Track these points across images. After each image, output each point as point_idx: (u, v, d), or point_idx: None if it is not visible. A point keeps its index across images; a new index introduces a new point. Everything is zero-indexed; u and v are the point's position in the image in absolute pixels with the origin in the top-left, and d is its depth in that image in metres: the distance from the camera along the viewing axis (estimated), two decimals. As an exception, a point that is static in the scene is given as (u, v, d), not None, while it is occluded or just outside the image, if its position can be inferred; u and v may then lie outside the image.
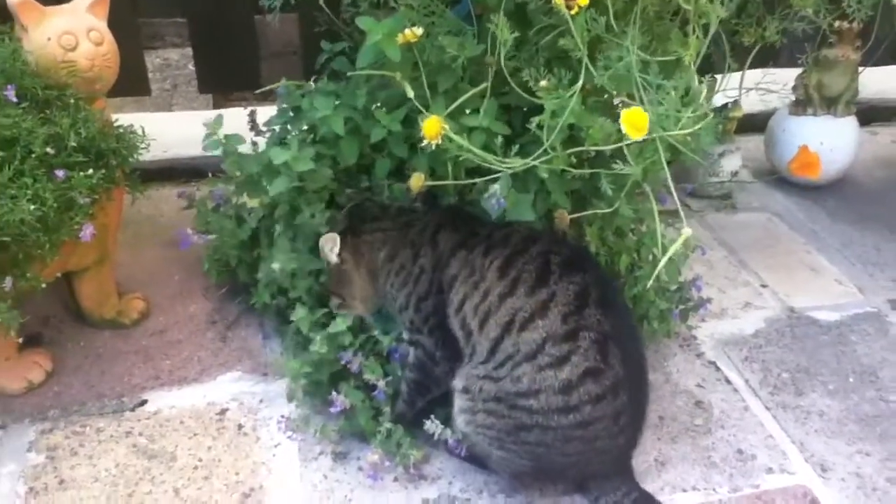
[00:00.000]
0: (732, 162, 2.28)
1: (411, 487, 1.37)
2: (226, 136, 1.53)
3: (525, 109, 1.46)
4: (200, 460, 1.41)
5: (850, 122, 2.31)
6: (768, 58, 1.96)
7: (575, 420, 1.22)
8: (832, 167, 2.31)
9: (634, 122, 1.14)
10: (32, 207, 1.26)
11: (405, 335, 1.41)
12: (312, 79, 1.71)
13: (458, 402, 1.32)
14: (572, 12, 1.18)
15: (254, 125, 1.80)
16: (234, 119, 1.65)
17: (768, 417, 1.54)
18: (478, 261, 1.28)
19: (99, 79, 1.45)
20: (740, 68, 1.82)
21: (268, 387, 1.57)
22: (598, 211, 1.45)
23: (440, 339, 1.33)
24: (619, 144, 1.23)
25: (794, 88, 2.30)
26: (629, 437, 1.31)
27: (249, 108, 1.86)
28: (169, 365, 1.61)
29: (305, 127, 1.56)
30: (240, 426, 1.48)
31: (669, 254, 1.14)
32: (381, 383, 1.37)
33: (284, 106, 1.62)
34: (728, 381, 1.63)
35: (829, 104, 2.27)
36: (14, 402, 1.50)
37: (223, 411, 1.51)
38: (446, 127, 1.24)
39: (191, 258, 1.87)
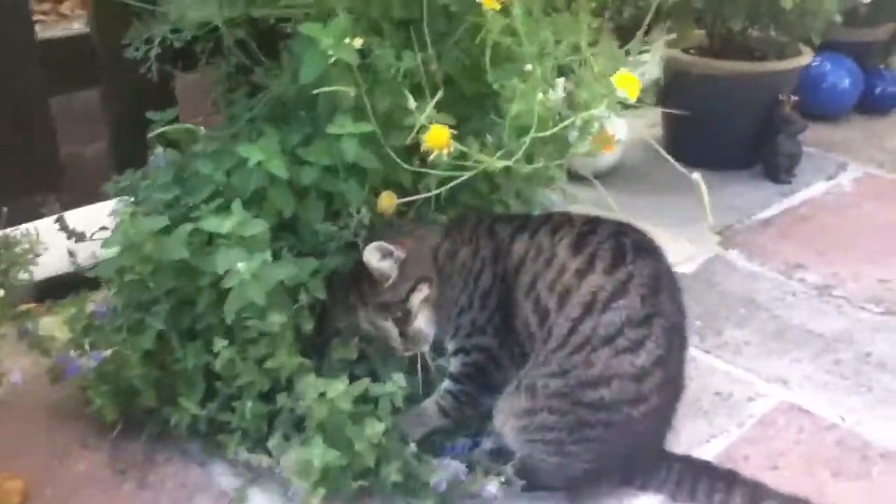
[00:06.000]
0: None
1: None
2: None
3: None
4: None
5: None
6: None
7: (641, 411, 1.19)
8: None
9: (629, 84, 1.16)
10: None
11: (457, 344, 1.30)
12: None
13: (515, 405, 1.23)
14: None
15: (72, 233, 1.49)
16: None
17: (712, 359, 1.65)
18: (545, 240, 1.21)
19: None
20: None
21: (249, 510, 1.27)
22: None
23: (503, 339, 1.24)
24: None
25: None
26: (671, 423, 1.32)
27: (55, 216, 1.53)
28: (104, 537, 1.23)
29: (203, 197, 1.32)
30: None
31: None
32: None
33: (165, 180, 1.35)
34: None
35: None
36: None
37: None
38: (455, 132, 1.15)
39: (38, 413, 1.45)
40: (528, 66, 1.26)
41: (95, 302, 1.41)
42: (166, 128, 1.42)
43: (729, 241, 2.12)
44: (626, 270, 1.19)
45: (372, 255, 1.24)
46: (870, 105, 3.10)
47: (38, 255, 1.25)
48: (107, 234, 1.46)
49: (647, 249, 1.25)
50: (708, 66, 2.54)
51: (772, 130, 2.49)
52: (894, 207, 2.32)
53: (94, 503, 1.29)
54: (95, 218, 1.51)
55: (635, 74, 1.30)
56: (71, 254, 1.53)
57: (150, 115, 1.56)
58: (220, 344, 1.23)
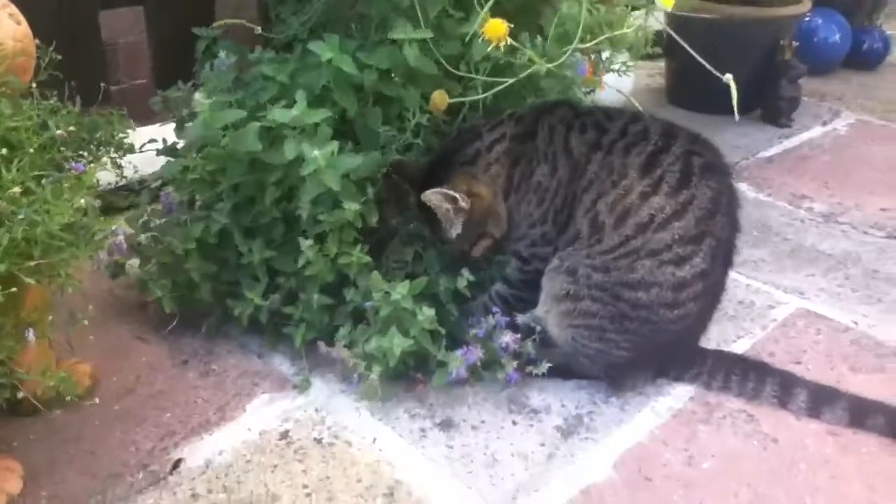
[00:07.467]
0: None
1: (535, 422, 1.29)
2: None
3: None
4: (306, 486, 1.16)
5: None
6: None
7: (676, 315, 1.26)
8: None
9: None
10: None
11: (520, 251, 1.36)
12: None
13: (557, 286, 1.29)
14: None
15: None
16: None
17: (734, 274, 1.71)
18: (617, 161, 1.24)
19: None
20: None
21: (311, 397, 1.33)
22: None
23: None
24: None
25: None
26: (706, 325, 1.38)
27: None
28: (174, 418, 1.28)
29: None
30: (318, 440, 1.24)
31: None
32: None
33: (226, 84, 1.40)
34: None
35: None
36: (11, 523, 1.08)
37: (284, 434, 1.25)
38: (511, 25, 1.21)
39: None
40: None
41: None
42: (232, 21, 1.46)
43: (737, 175, 2.22)
44: (688, 193, 1.23)
45: (435, 197, 1.31)
46: (857, 60, 3.22)
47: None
48: (157, 145, 1.52)
49: (713, 168, 1.27)
50: (714, 10, 2.60)
51: (773, 75, 2.58)
52: (889, 147, 2.43)
53: (160, 388, 1.34)
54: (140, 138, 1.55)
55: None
56: (118, 166, 1.57)
57: (196, 30, 1.60)
58: (306, 239, 1.28)
